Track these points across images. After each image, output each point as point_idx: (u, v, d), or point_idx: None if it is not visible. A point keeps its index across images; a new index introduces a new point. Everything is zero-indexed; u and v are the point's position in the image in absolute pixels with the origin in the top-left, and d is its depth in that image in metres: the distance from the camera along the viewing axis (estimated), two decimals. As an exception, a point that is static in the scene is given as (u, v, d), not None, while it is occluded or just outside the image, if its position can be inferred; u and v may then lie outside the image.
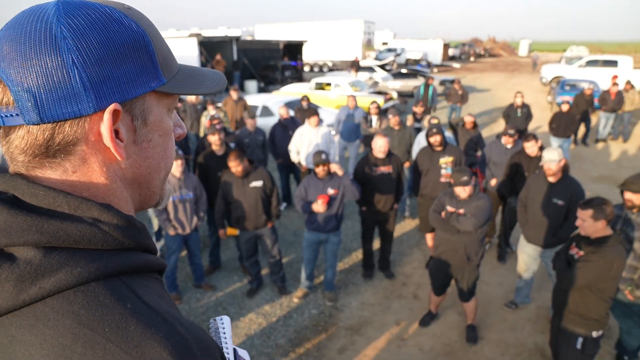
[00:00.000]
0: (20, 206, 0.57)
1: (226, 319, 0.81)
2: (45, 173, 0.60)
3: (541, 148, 5.56)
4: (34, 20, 0.57)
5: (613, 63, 20.35)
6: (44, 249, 0.55)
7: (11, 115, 0.57)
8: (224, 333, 0.78)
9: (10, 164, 0.62)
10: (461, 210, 4.25)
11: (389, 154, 5.37)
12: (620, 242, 3.18)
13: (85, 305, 0.53)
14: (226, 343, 0.76)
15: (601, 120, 12.52)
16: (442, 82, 20.46)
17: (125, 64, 0.60)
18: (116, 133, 0.61)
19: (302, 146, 7.03)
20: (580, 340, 3.35)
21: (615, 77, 13.16)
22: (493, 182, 6.18)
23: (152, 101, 0.65)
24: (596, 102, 12.83)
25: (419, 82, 20.37)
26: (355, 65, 23.10)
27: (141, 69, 0.62)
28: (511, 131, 6.12)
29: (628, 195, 3.86)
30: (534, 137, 5.57)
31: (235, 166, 4.81)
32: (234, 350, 0.78)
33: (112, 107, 0.58)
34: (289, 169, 7.76)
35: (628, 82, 12.49)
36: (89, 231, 0.57)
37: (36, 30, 0.56)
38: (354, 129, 8.59)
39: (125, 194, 0.66)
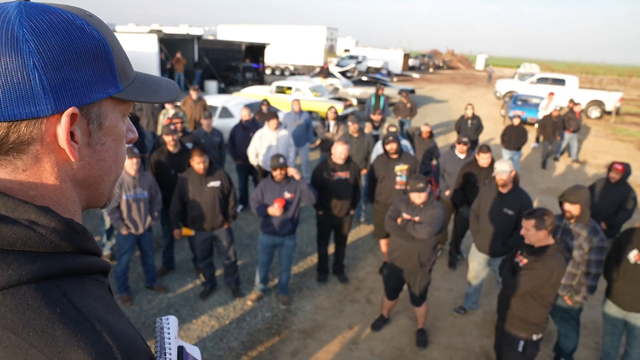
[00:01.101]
0: None
1: (172, 319, 0.82)
2: None
3: (492, 160, 5.78)
4: None
5: (561, 81, 21.39)
6: None
7: None
8: (169, 332, 0.78)
9: None
10: (416, 218, 4.37)
11: (348, 160, 5.46)
12: (560, 251, 3.36)
13: (13, 308, 0.53)
14: (169, 343, 0.76)
15: (566, 141, 12.71)
16: (401, 92, 20.84)
17: (85, 69, 0.61)
18: (71, 135, 0.62)
19: (261, 149, 7.03)
20: (521, 343, 3.51)
21: (551, 94, 14.00)
22: (447, 192, 6.36)
23: (108, 106, 0.67)
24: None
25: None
26: (323, 72, 23.20)
27: (100, 75, 0.63)
28: (465, 139, 6.33)
29: (567, 206, 4.09)
30: (488, 149, 5.77)
31: (201, 162, 4.78)
32: (182, 348, 0.79)
33: (70, 110, 0.60)
34: (248, 171, 7.73)
35: (571, 101, 13.11)
36: (24, 234, 0.56)
37: None
38: (302, 133, 8.62)
39: (73, 193, 0.67)
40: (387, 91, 20.48)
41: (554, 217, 3.48)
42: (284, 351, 4.55)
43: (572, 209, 4.06)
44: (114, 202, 0.77)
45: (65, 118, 0.59)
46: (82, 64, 0.61)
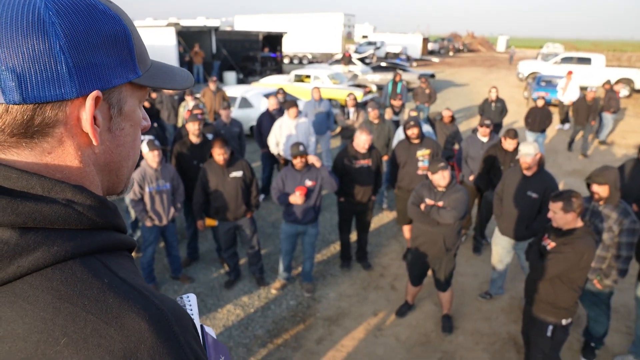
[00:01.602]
0: None
1: (192, 297, 0.84)
2: (21, 153, 0.61)
3: (517, 144, 5.66)
4: (21, 4, 0.58)
5: (587, 60, 20.79)
6: (20, 229, 0.56)
7: None
8: (191, 310, 0.81)
9: None
10: (440, 203, 4.31)
11: (370, 147, 5.40)
12: (589, 234, 3.27)
13: (64, 281, 0.55)
14: (193, 319, 0.77)
15: (608, 123, 11.95)
16: (421, 76, 20.59)
17: (107, 53, 0.62)
18: (94, 119, 0.63)
19: (281, 138, 7.02)
20: (550, 327, 3.45)
21: (569, 73, 13.41)
22: (471, 177, 6.26)
23: (127, 92, 0.68)
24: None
25: (398, 75, 20.47)
26: (345, 59, 23.05)
27: (121, 60, 0.64)
28: (487, 122, 6.21)
29: (594, 187, 3.97)
30: (516, 134, 5.64)
31: (221, 154, 4.79)
32: (202, 327, 0.81)
33: (94, 93, 0.61)
34: (274, 159, 7.75)
35: (607, 82, 12.69)
36: (63, 212, 0.58)
37: (24, 14, 0.57)
38: (323, 121, 8.58)
39: (96, 178, 0.68)
40: (406, 76, 20.27)
41: (582, 199, 3.38)
42: (309, 338, 4.57)
43: (601, 190, 3.94)
44: (130, 189, 0.79)
45: (90, 101, 0.60)
46: (106, 48, 0.62)
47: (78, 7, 0.60)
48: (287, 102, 7.24)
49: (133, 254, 5.62)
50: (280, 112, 7.73)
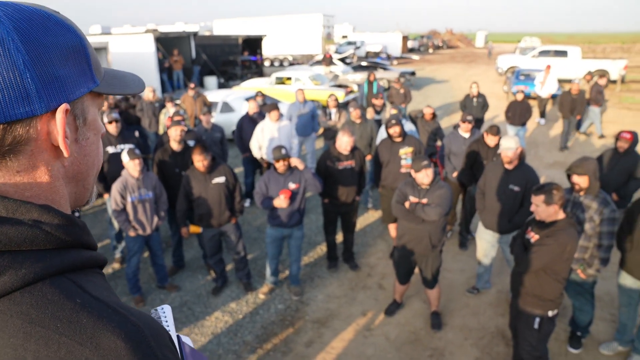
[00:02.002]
0: None
1: (167, 308, 0.84)
2: None
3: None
4: None
5: (563, 53, 21.09)
6: None
7: None
8: (166, 321, 0.81)
9: None
10: (424, 200, 4.33)
11: (353, 148, 5.40)
12: (572, 225, 3.31)
13: (34, 304, 0.54)
14: (169, 331, 0.77)
15: (595, 116, 11.78)
16: (402, 75, 20.71)
17: (68, 65, 0.62)
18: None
19: (263, 141, 6.99)
20: (537, 320, 3.47)
21: (548, 67, 13.49)
22: (455, 174, 6.30)
23: (88, 101, 0.68)
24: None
25: (378, 74, 20.55)
26: (326, 60, 23.06)
27: (81, 70, 0.65)
28: (469, 117, 6.25)
29: (575, 178, 4.03)
30: (498, 131, 5.68)
31: (201, 160, 4.75)
32: (178, 337, 0.81)
33: (63, 106, 0.61)
34: (256, 163, 7.70)
35: (589, 73, 12.86)
36: (30, 233, 0.57)
37: None
38: (308, 123, 8.55)
39: (65, 191, 0.67)
40: (387, 74, 20.35)
41: (564, 190, 3.41)
42: (298, 342, 4.55)
43: (580, 180, 4.00)
44: (94, 198, 0.78)
45: (60, 114, 0.60)
46: (66, 59, 0.62)
47: (34, 20, 0.59)
48: (268, 105, 7.21)
49: (117, 265, 5.55)
50: (260, 115, 7.69)
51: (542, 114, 13.92)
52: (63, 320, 0.53)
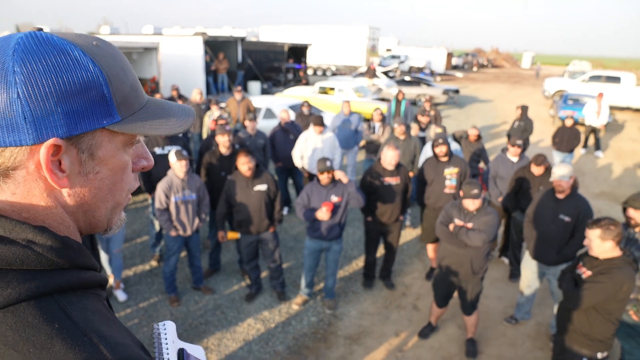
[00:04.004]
0: None
1: (169, 323, 0.85)
2: None
3: (546, 167, 5.54)
4: None
5: (616, 79, 20.37)
6: None
7: None
8: (166, 338, 0.82)
9: None
10: (470, 225, 4.22)
11: (398, 165, 5.33)
12: (629, 264, 3.15)
13: (13, 326, 0.55)
14: (167, 347, 0.80)
15: None
16: (445, 92, 20.48)
17: (73, 101, 0.62)
18: (59, 163, 0.64)
19: (306, 151, 7.00)
20: (584, 360, 3.32)
21: (600, 95, 12.76)
22: (500, 198, 6.12)
23: (103, 137, 0.67)
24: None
25: (422, 90, 20.38)
26: (369, 72, 23.05)
27: (91, 106, 0.64)
28: (518, 142, 6.08)
29: (631, 212, 3.85)
30: (544, 160, 5.50)
31: (246, 162, 4.78)
32: (182, 350, 0.83)
33: (50, 141, 0.61)
34: (288, 173, 7.71)
35: None
36: (21, 253, 0.59)
37: None
38: (351, 136, 8.49)
39: (66, 218, 0.68)
40: (430, 91, 20.18)
41: (622, 226, 3.26)
42: (329, 357, 4.50)
43: (637, 215, 3.82)
44: (115, 229, 0.78)
45: (44, 149, 0.61)
46: (71, 96, 0.62)
47: (46, 55, 0.61)
48: (312, 116, 7.21)
49: (155, 263, 5.63)
50: (292, 125, 7.68)
51: (598, 146, 13.00)
52: (36, 346, 0.54)
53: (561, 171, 4.44)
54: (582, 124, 15.74)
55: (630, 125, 17.73)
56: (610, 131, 16.02)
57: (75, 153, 0.65)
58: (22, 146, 0.61)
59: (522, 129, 9.99)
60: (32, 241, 0.61)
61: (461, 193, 4.30)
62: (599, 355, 3.27)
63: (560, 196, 4.53)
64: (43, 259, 0.61)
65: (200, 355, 0.87)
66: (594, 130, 12.83)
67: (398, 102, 11.07)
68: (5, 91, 0.59)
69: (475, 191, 4.13)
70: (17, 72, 0.59)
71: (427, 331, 4.84)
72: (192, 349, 0.87)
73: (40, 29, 0.66)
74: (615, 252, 3.21)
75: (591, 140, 12.85)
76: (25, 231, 0.61)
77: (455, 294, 4.64)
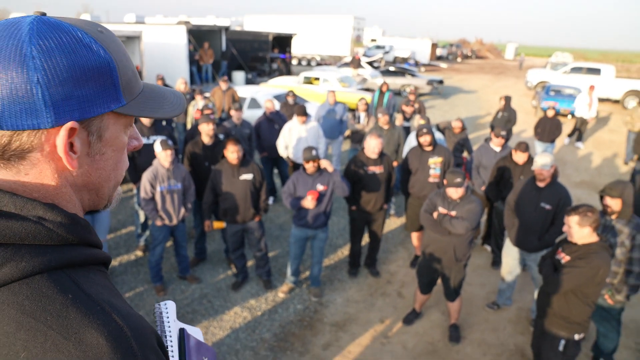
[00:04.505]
0: None
1: (170, 303, 0.89)
2: None
3: (528, 157, 5.63)
4: (7, 36, 0.62)
5: (596, 71, 20.68)
6: None
7: None
8: (167, 317, 0.85)
9: None
10: (453, 213, 4.30)
11: (381, 154, 5.38)
12: (605, 249, 3.25)
13: (29, 296, 0.58)
14: (169, 326, 0.84)
15: None
16: (430, 82, 20.58)
17: (87, 86, 0.65)
18: (71, 145, 0.66)
19: (290, 141, 7.01)
20: (562, 342, 3.42)
21: (592, 87, 12.85)
22: (483, 187, 6.22)
23: (109, 120, 0.71)
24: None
25: (406, 80, 20.45)
26: (354, 62, 23.01)
27: (102, 91, 0.67)
28: (502, 132, 6.17)
29: (607, 200, 3.95)
30: (526, 147, 5.60)
31: (235, 151, 4.79)
32: (183, 330, 0.87)
33: (68, 124, 0.64)
34: (274, 162, 7.72)
35: None
36: (33, 228, 0.62)
37: (7, 47, 0.61)
38: (336, 125, 8.52)
39: (73, 197, 0.72)
40: (414, 81, 20.25)
41: (599, 213, 3.35)
42: (315, 343, 4.56)
43: (613, 203, 3.92)
44: (114, 204, 0.83)
45: (63, 132, 0.64)
46: (86, 81, 0.65)
47: (62, 42, 0.63)
48: (296, 106, 7.21)
49: (140, 253, 5.62)
50: (277, 114, 7.68)
51: (580, 137, 13.13)
52: (52, 314, 0.57)
53: (543, 160, 4.53)
54: (564, 115, 16.02)
55: (609, 116, 18.06)
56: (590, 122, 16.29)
57: (85, 135, 0.68)
58: (39, 129, 0.63)
59: (505, 120, 10.11)
60: (42, 217, 0.63)
61: (445, 182, 4.37)
62: (576, 336, 3.39)
63: (541, 185, 4.63)
64: (53, 234, 0.63)
65: (199, 336, 0.91)
66: (582, 122, 12.92)
67: (382, 93, 10.98)
68: (25, 75, 0.60)
69: (458, 180, 4.20)
70: (35, 57, 0.61)
71: (411, 317, 4.93)
72: (191, 329, 0.90)
73: (44, 13, 0.68)
74: (593, 238, 3.31)
75: (577, 132, 12.96)
76: (36, 208, 0.63)
77: (439, 281, 4.73)
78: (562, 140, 13.42)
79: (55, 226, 0.64)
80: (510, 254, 4.94)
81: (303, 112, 6.92)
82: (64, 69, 0.62)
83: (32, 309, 0.57)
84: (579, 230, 3.29)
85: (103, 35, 0.70)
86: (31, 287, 0.59)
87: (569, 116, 16.30)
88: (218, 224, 5.32)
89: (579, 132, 13.09)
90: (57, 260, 0.62)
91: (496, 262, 6.12)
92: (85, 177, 0.71)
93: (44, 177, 0.67)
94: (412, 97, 10.11)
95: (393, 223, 7.38)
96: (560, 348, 3.42)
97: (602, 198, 4.04)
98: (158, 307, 0.88)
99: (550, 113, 9.81)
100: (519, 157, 5.60)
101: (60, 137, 0.64)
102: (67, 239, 0.65)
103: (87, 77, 0.65)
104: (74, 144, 0.66)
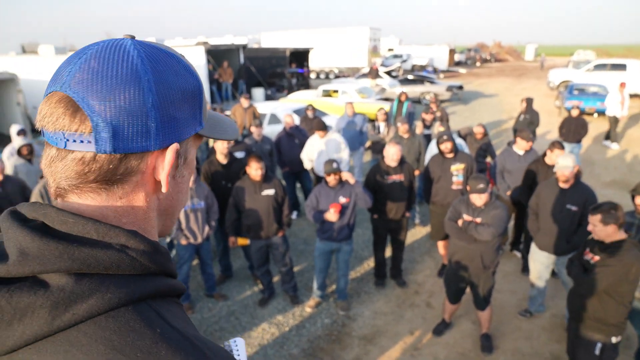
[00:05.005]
0: (52, 234, 0.59)
1: (240, 341, 0.86)
2: (96, 197, 0.64)
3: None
4: (119, 58, 0.61)
5: (622, 67, 20.16)
6: (75, 275, 0.56)
7: (81, 142, 0.60)
8: (238, 355, 0.83)
9: (53, 185, 0.65)
10: (478, 220, 4.22)
11: (401, 162, 5.35)
12: (636, 246, 3.15)
13: (117, 330, 0.55)
14: None
15: None
16: (449, 88, 20.44)
17: (185, 108, 0.66)
18: None
19: (312, 155, 7.03)
20: (599, 346, 3.31)
21: (622, 84, 12.47)
22: (508, 192, 6.09)
23: (191, 142, 0.72)
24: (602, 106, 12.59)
25: (425, 88, 20.36)
26: (372, 73, 23.08)
27: (193, 114, 0.68)
28: (525, 134, 6.05)
29: (638, 200, 3.84)
30: (561, 146, 5.49)
31: (259, 168, 4.83)
32: None
33: (174, 146, 0.65)
34: (296, 177, 7.75)
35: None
36: (117, 257, 0.59)
37: (123, 69, 0.60)
38: (356, 137, 8.52)
39: (156, 222, 0.71)
40: (433, 88, 20.15)
41: (624, 211, 3.25)
42: (344, 358, 4.51)
43: None
44: (174, 231, 0.81)
45: (171, 153, 0.65)
46: (185, 103, 0.66)
47: (168, 64, 0.64)
48: (315, 120, 7.22)
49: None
50: (297, 129, 7.71)
51: (608, 136, 12.69)
52: (143, 350, 0.54)
53: (564, 161, 4.44)
54: (590, 114, 15.66)
55: (639, 113, 17.57)
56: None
57: (175, 158, 0.67)
58: (147, 152, 0.63)
59: (528, 122, 9.94)
60: (125, 245, 0.61)
61: (468, 188, 4.31)
62: (613, 339, 3.26)
63: (565, 186, 4.53)
64: (137, 263, 0.61)
65: None
66: (615, 121, 12.44)
67: (400, 102, 11.01)
68: (141, 97, 0.60)
69: (481, 186, 4.13)
70: (150, 80, 0.61)
71: (441, 328, 4.84)
72: None
73: (133, 37, 0.68)
74: (621, 235, 3.22)
75: (612, 132, 12.47)
76: (119, 235, 0.61)
77: (468, 290, 4.63)
78: (589, 139, 13.10)
79: (139, 255, 0.61)
80: (538, 259, 4.82)
81: (321, 127, 6.95)
82: (172, 90, 0.63)
83: (122, 345, 0.54)
84: (603, 228, 3.21)
85: (186, 59, 0.71)
86: (118, 321, 0.56)
87: (595, 114, 15.94)
88: (242, 241, 5.34)
89: (611, 131, 12.61)
90: (141, 291, 0.60)
91: (526, 268, 5.96)
92: (168, 201, 0.71)
93: (137, 202, 0.66)
94: (434, 107, 10.03)
95: (418, 232, 7.29)
96: (597, 352, 3.30)
97: (633, 197, 3.92)
98: (228, 345, 0.85)
99: (575, 112, 9.61)
100: (555, 155, 5.43)
101: (167, 158, 0.64)
102: (148, 269, 0.62)
103: (187, 99, 0.66)
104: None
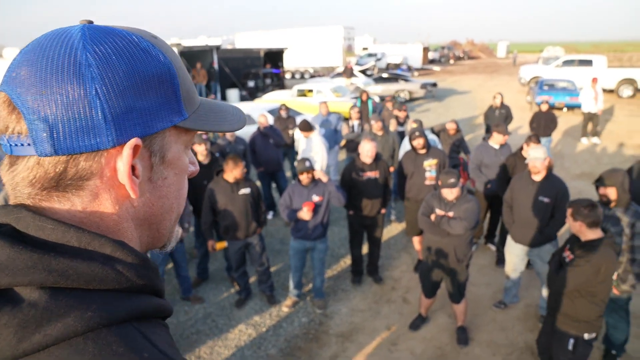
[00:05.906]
0: (25, 241, 0.51)
1: None
2: (53, 206, 0.55)
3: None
4: (58, 45, 0.53)
5: (588, 62, 20.72)
6: (50, 290, 0.49)
7: (22, 145, 0.53)
8: None
9: (11, 196, 0.57)
10: (450, 213, 4.27)
11: (376, 158, 5.37)
12: (610, 245, 3.16)
13: (97, 354, 0.47)
14: None
15: None
16: (423, 86, 20.64)
17: (149, 96, 0.56)
18: (132, 169, 0.57)
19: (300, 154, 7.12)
20: (571, 341, 3.35)
21: (594, 80, 12.57)
22: (489, 185, 6.16)
23: (172, 137, 0.61)
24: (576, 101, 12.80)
25: (400, 85, 20.51)
26: (347, 72, 23.13)
27: (164, 102, 0.58)
28: (501, 128, 6.12)
29: (602, 190, 3.93)
30: (537, 140, 5.56)
31: (238, 169, 4.79)
32: None
33: (132, 141, 0.55)
34: (271, 177, 7.72)
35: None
36: (101, 270, 0.52)
37: (59, 56, 0.52)
38: (331, 135, 8.53)
39: (134, 234, 0.61)
40: (408, 86, 20.31)
41: (600, 209, 3.27)
42: (322, 356, 4.51)
43: (608, 192, 3.90)
44: (174, 242, 0.71)
45: (127, 150, 0.55)
46: (147, 90, 0.56)
47: (118, 46, 0.55)
48: (302, 123, 7.18)
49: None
50: (271, 129, 7.69)
51: (594, 132, 12.68)
52: None
53: (535, 153, 4.52)
54: (559, 109, 16.01)
55: (604, 106, 18.02)
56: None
57: (147, 156, 0.59)
58: (99, 150, 0.54)
59: (504, 117, 10.09)
60: (111, 257, 0.53)
61: (439, 183, 4.35)
62: (586, 335, 3.29)
63: (537, 178, 4.61)
64: (122, 278, 0.53)
65: None
66: (591, 117, 12.52)
67: (363, 102, 10.92)
68: (81, 88, 0.51)
69: (452, 180, 4.18)
70: (92, 64, 0.52)
71: (418, 323, 4.87)
72: None
73: (91, 22, 0.59)
74: (595, 235, 3.25)
75: (589, 127, 12.60)
76: (105, 245, 0.53)
77: (443, 284, 4.68)
78: (559, 133, 13.39)
79: (126, 268, 0.54)
80: (513, 251, 4.90)
81: (306, 128, 6.96)
82: (124, 76, 0.54)
83: None
84: (573, 224, 3.27)
85: (157, 40, 0.61)
86: (98, 344, 0.48)
87: (564, 109, 16.30)
88: (221, 244, 5.24)
89: (590, 127, 12.65)
90: (126, 310, 0.52)
91: (500, 260, 6.04)
92: (147, 208, 0.61)
93: (103, 211, 0.56)
94: (389, 105, 9.95)
95: (394, 229, 7.34)
96: (570, 347, 3.35)
97: (597, 188, 4.01)
98: None
99: (545, 107, 9.80)
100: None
101: (124, 157, 0.54)
102: (136, 285, 0.55)
103: (148, 85, 0.56)
104: (136, 167, 0.57)
